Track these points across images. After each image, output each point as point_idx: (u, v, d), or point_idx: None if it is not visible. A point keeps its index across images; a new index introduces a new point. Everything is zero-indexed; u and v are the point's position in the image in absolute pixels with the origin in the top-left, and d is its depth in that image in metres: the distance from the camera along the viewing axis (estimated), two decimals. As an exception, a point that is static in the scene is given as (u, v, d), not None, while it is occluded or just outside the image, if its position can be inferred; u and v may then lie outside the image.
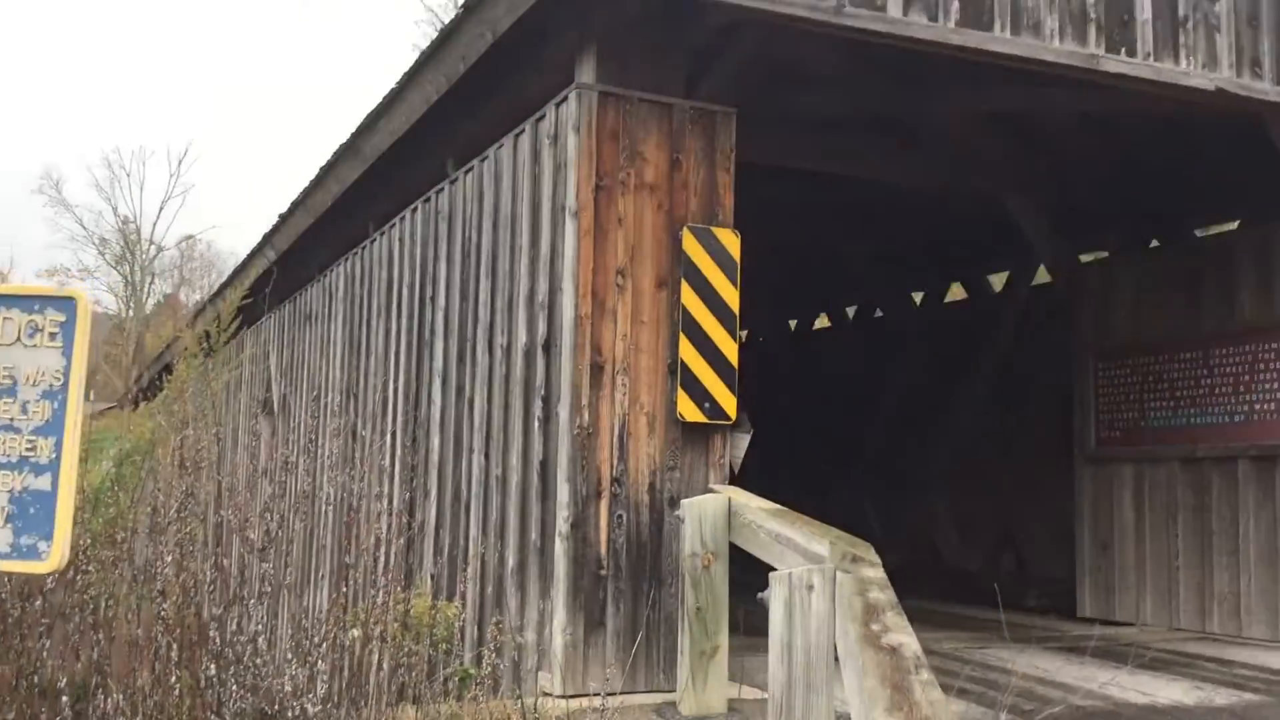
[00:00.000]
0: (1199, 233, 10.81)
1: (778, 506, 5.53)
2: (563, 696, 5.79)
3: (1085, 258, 11.53)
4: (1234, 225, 10.37)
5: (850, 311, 15.64)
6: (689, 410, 6.32)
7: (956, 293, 14.21)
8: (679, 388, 6.29)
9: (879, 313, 14.98)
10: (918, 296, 14.31)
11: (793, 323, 16.80)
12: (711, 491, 6.18)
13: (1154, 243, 10.84)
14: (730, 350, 6.44)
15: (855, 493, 14.62)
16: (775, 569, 4.66)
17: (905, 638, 2.80)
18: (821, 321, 16.45)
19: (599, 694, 5.09)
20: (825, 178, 10.17)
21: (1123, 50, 7.01)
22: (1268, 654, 8.30)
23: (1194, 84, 7.22)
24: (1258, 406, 9.17)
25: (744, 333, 18.06)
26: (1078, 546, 10.69)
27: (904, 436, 13.94)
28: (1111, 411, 10.46)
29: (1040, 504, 11.89)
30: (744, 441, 15.84)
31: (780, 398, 16.21)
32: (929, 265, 13.72)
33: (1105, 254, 11.43)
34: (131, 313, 46.75)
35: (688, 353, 6.32)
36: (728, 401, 6.43)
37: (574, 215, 6.15)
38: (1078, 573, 10.66)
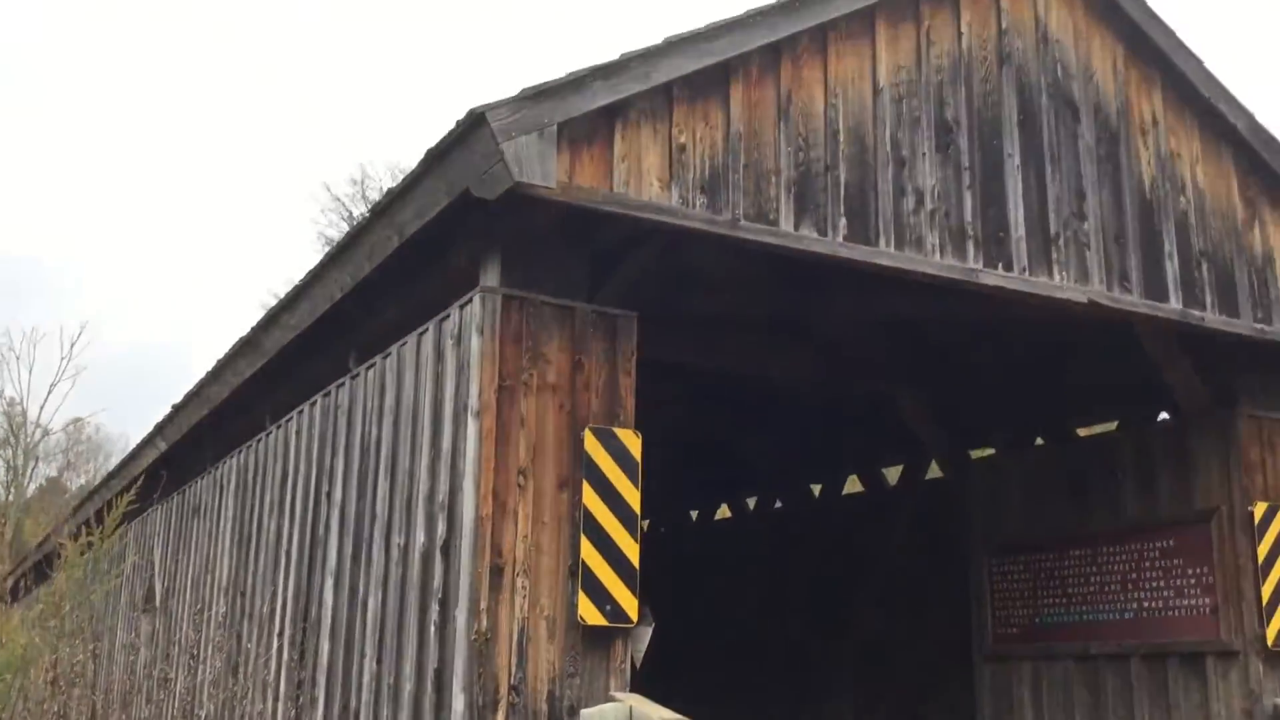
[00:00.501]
0: (1082, 432, 11.25)
1: (677, 716, 5.41)
2: None
3: (975, 453, 11.89)
4: (1114, 425, 10.84)
5: (751, 502, 15.73)
6: (590, 613, 6.22)
7: (855, 484, 14.44)
8: (580, 590, 6.21)
9: (779, 504, 15.09)
10: (816, 489, 14.49)
11: (694, 513, 16.81)
12: (613, 699, 6.03)
13: (1039, 440, 11.23)
14: (632, 551, 6.40)
15: (760, 688, 14.39)
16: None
17: None
18: (723, 512, 16.49)
19: None
20: (725, 373, 10.42)
21: (1000, 265, 7.44)
22: None
23: (1067, 296, 7.66)
24: (1145, 604, 9.39)
25: (645, 523, 18.03)
26: (979, 740, 10.63)
27: (807, 634, 13.85)
28: (1007, 608, 10.59)
29: (942, 701, 11.83)
30: (645, 635, 15.57)
31: (683, 590, 16.05)
32: (827, 458, 13.96)
33: (994, 450, 11.81)
34: (11, 498, 44.69)
35: (589, 554, 6.27)
36: (629, 603, 6.35)
37: (476, 415, 6.16)
38: (984, 770, 10.56)
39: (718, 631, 15.29)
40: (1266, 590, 8.58)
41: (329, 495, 8.00)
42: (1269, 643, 8.49)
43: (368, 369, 7.67)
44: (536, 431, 6.30)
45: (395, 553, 6.83)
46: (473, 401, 6.20)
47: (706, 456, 15.04)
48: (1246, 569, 8.67)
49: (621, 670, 6.32)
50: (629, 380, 6.64)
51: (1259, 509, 8.71)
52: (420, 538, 6.53)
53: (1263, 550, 8.66)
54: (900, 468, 13.33)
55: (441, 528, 6.29)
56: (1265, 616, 8.53)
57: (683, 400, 11.97)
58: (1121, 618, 9.52)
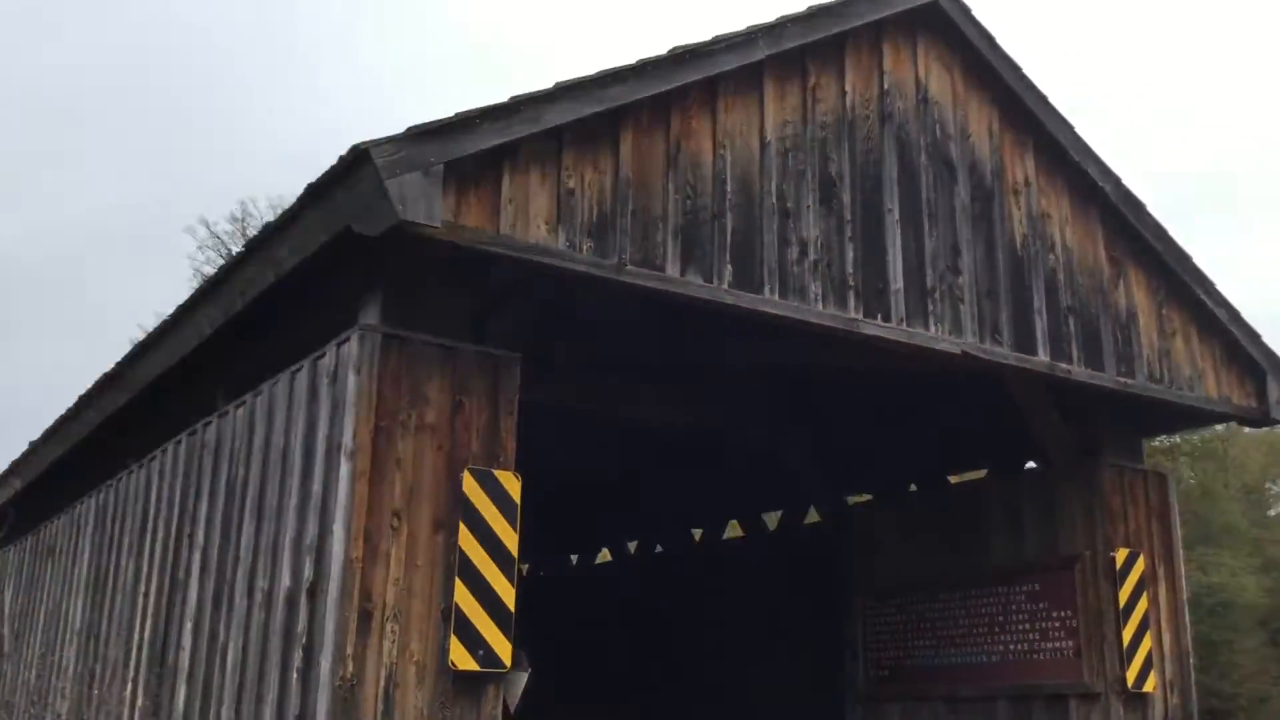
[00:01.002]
0: (953, 479, 11.53)
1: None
2: None
3: (852, 499, 12.08)
4: (984, 473, 11.13)
5: (632, 547, 15.69)
6: (462, 659, 6.09)
7: (735, 529, 14.52)
8: (452, 634, 6.07)
9: (659, 548, 15.08)
10: (697, 533, 14.53)
11: (574, 558, 16.69)
12: (483, 746, 5.90)
13: (913, 487, 11.47)
14: (507, 595, 6.30)
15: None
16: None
17: None
18: (604, 557, 16.41)
19: None
20: (609, 417, 10.39)
21: (879, 315, 7.60)
22: None
23: (942, 348, 7.86)
24: (1012, 647, 9.61)
25: (524, 567, 17.82)
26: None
27: (687, 676, 13.82)
28: (879, 650, 10.74)
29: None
30: (521, 681, 15.37)
31: (564, 634, 15.89)
32: (708, 501, 14.02)
33: (870, 497, 12.01)
34: None
35: (463, 598, 6.15)
36: (503, 649, 6.24)
37: (350, 456, 6.01)
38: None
39: (596, 677, 15.15)
40: (1127, 634, 8.87)
41: (191, 537, 7.70)
42: (1129, 684, 8.77)
43: (237, 407, 7.43)
44: (413, 472, 6.18)
45: (259, 597, 6.59)
46: (347, 441, 6.05)
47: (589, 500, 14.97)
48: (1108, 613, 8.95)
49: (493, 716, 6.19)
50: (511, 421, 6.57)
51: (1120, 555, 9.02)
52: (286, 581, 6.31)
53: (1124, 595, 8.96)
54: (780, 514, 13.46)
55: (308, 571, 6.10)
56: (1125, 659, 8.81)
57: (565, 443, 11.88)
58: (989, 660, 9.73)
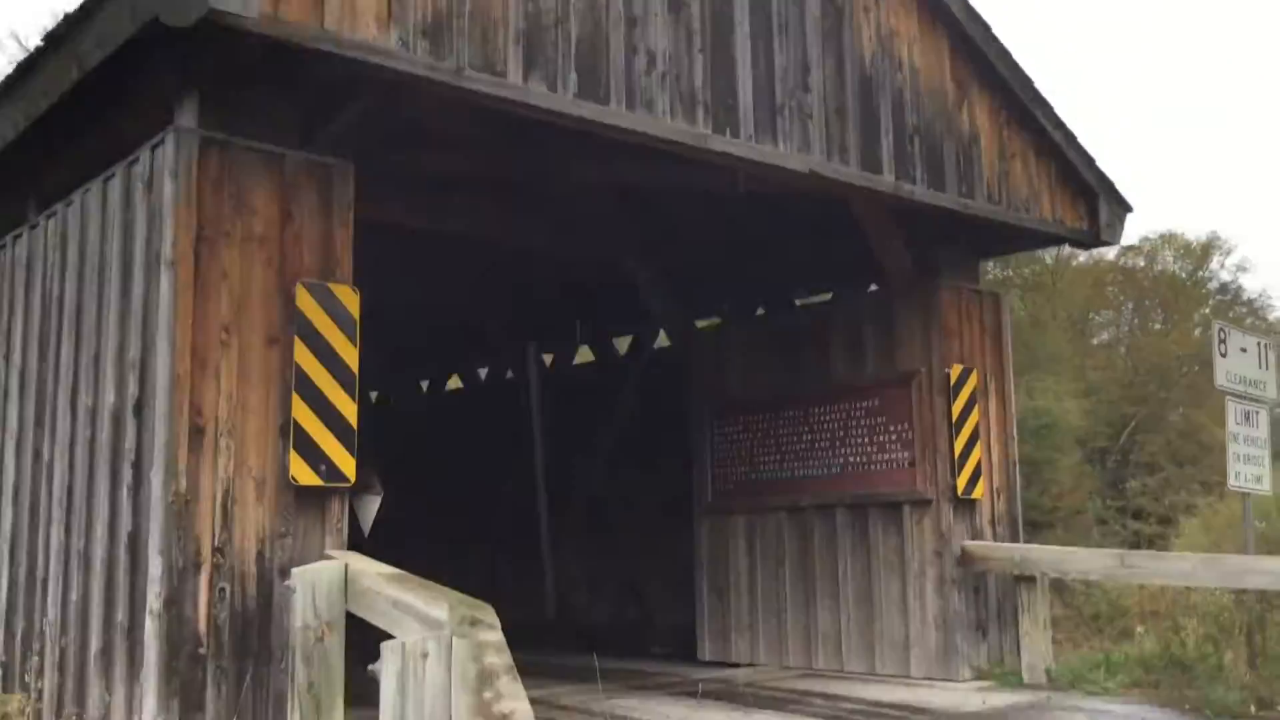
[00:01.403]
0: (799, 302, 11.74)
1: (397, 571, 5.31)
2: (154, 793, 5.23)
3: (701, 323, 12.22)
4: (829, 296, 11.36)
5: (483, 373, 15.65)
6: (303, 473, 5.98)
7: (586, 355, 14.59)
8: (291, 450, 5.94)
9: (510, 374, 15.08)
10: (549, 358, 14.55)
11: (424, 383, 16.57)
12: (328, 558, 5.86)
13: (760, 310, 11.64)
14: (349, 410, 6.17)
15: (491, 554, 14.55)
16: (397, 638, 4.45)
17: (517, 704, 2.70)
18: (454, 382, 16.34)
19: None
20: (452, 237, 10.14)
21: (728, 131, 7.49)
22: (865, 687, 8.97)
23: (791, 166, 7.84)
24: (851, 459, 10.01)
25: (374, 393, 17.61)
26: (697, 595, 11.16)
27: (536, 494, 14.05)
28: (726, 466, 11.06)
29: (664, 557, 12.32)
30: (374, 504, 15.41)
31: (415, 460, 15.90)
32: (559, 328, 14.01)
33: (718, 320, 12.16)
34: None
35: (301, 413, 5.99)
36: (345, 463, 6.14)
37: (171, 267, 5.70)
38: (697, 620, 11.11)
39: (448, 499, 15.28)
40: (958, 445, 9.31)
41: (7, 357, 7.28)
42: (959, 492, 9.26)
43: (48, 218, 6.95)
44: (241, 286, 5.91)
45: (83, 414, 6.31)
46: (166, 251, 5.73)
47: (437, 325, 14.78)
48: (941, 426, 9.37)
49: (338, 530, 6.13)
50: (345, 234, 6.31)
51: (954, 371, 9.39)
52: (110, 398, 6.04)
53: (956, 408, 9.36)
54: (630, 338, 13.55)
55: (133, 387, 5.84)
56: (956, 468, 9.28)
57: (409, 263, 11.60)
58: (829, 473, 10.13)
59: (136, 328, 5.90)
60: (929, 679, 9.15)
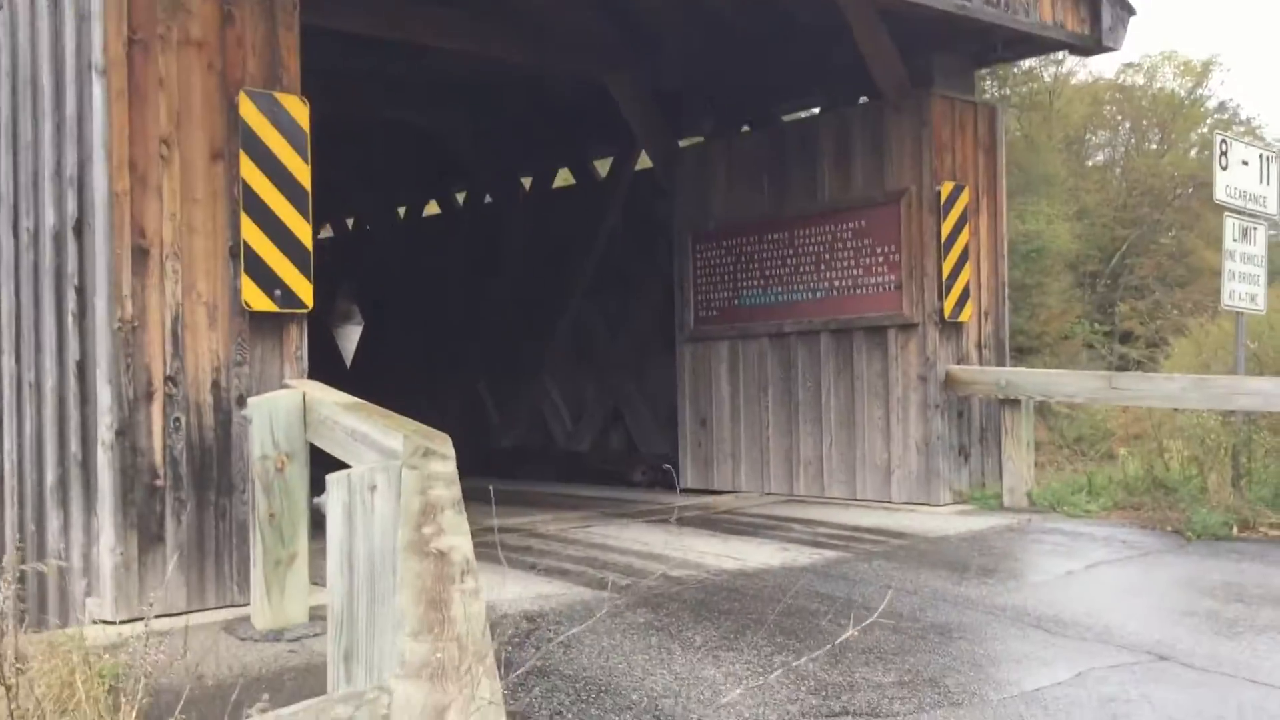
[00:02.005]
0: (786, 118, 11.24)
1: (356, 400, 5.06)
2: (116, 622, 5.11)
3: (684, 143, 11.72)
4: (817, 111, 10.86)
5: (460, 198, 15.17)
6: (256, 299, 5.67)
7: (565, 178, 14.11)
8: (243, 274, 5.61)
9: (489, 199, 14.62)
10: (527, 182, 14.06)
11: (402, 210, 16.11)
12: (286, 387, 5.60)
13: (745, 128, 11.14)
14: (303, 231, 5.81)
15: (473, 381, 14.42)
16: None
17: (457, 540, 2.47)
18: (432, 208, 15.88)
19: (159, 615, 4.48)
20: (416, 50, 9.56)
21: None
22: (845, 512, 8.94)
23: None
24: (836, 283, 9.72)
25: (350, 220, 17.17)
26: (679, 423, 11.05)
27: (519, 322, 13.82)
28: (709, 292, 10.78)
29: (646, 384, 12.18)
30: (354, 334, 15.13)
31: (394, 288, 15.60)
32: (536, 150, 13.49)
33: (701, 140, 11.67)
34: None
35: (252, 234, 5.64)
36: (302, 288, 5.82)
37: (102, 74, 5.24)
38: (680, 447, 11.04)
39: (429, 328, 15.04)
40: (947, 266, 9.02)
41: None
42: (945, 315, 9.01)
43: (-27, 23, 6.41)
44: (180, 94, 5.46)
45: (25, 237, 5.94)
46: (97, 58, 5.26)
47: (410, 148, 14.23)
48: (930, 247, 9.05)
49: (297, 358, 5.86)
50: (292, 39, 5.82)
51: (945, 188, 9.01)
52: (50, 219, 5.67)
53: (946, 228, 9.03)
54: (611, 160, 13.05)
55: (72, 206, 5.46)
56: (943, 291, 9.00)
57: (374, 79, 11.02)
58: (814, 297, 9.86)
59: (72, 142, 5.48)
60: (909, 503, 9.11)
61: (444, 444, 3.92)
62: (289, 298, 5.77)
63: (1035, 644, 5.10)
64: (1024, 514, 8.50)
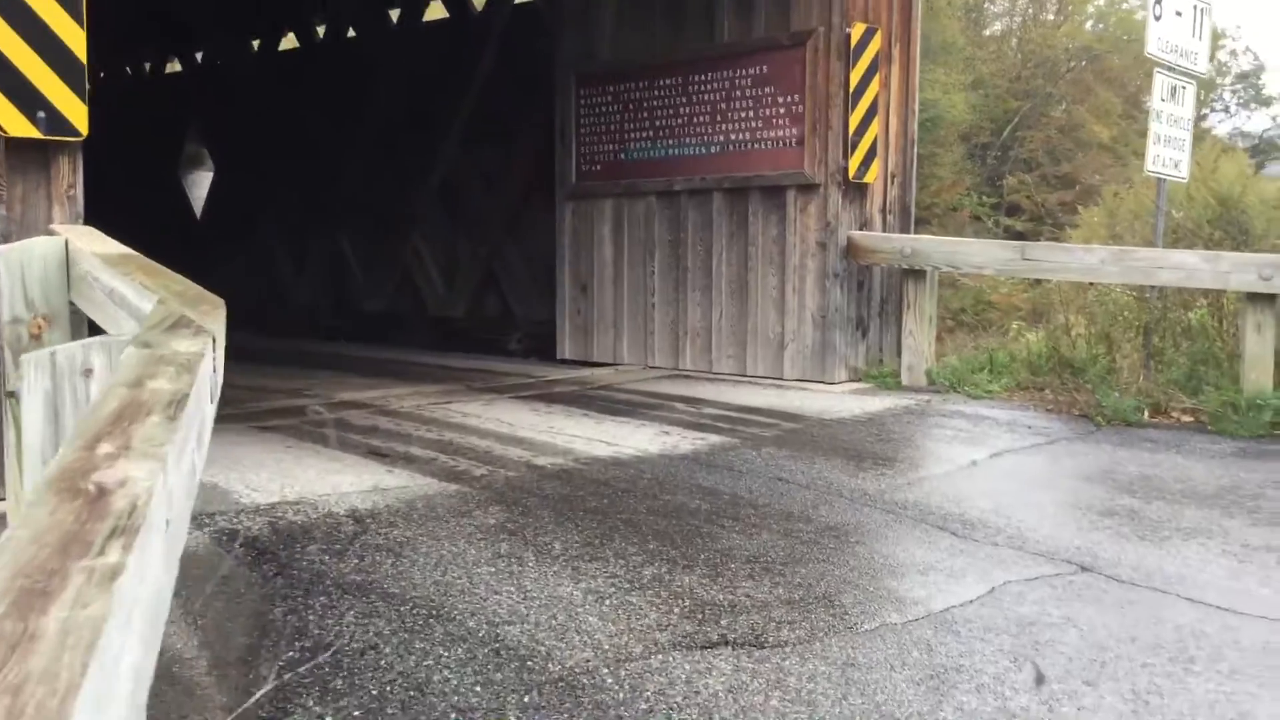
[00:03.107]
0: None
1: (125, 252, 4.01)
2: None
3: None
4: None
5: (320, 30, 13.65)
6: (13, 121, 4.50)
7: (438, 10, 12.71)
8: (-5, 90, 4.43)
9: (351, 32, 13.15)
10: (394, 13, 12.63)
11: (256, 43, 14.50)
12: (51, 233, 4.50)
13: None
14: (74, 38, 4.62)
15: (335, 236, 13.20)
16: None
17: (138, 471, 1.54)
18: (290, 42, 14.30)
19: None
20: None
21: None
22: (735, 390, 8.20)
23: None
24: (733, 137, 8.79)
25: (199, 55, 15.48)
26: (558, 288, 10.13)
27: (385, 173, 12.59)
28: (593, 144, 9.75)
29: (524, 244, 11.18)
30: (204, 181, 13.71)
31: (248, 131, 14.13)
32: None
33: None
34: None
35: (5, 38, 4.44)
36: (74, 110, 4.66)
37: None
38: (558, 315, 10.14)
39: (286, 176, 13.69)
40: (854, 120, 8.14)
41: None
42: (850, 175, 8.18)
43: None
44: None
45: None
46: None
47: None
48: (836, 98, 8.15)
49: (70, 198, 4.74)
50: None
51: (856, 30, 8.06)
52: None
53: (855, 75, 8.12)
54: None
55: None
56: (849, 148, 8.15)
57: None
58: (708, 152, 8.92)
59: None
60: (803, 380, 8.42)
61: (210, 314, 2.95)
62: (56, 122, 4.61)
63: (941, 550, 4.42)
64: (923, 394, 7.88)
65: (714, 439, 6.35)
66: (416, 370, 9.64)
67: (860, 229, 8.35)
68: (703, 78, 8.91)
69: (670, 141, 9.16)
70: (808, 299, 8.38)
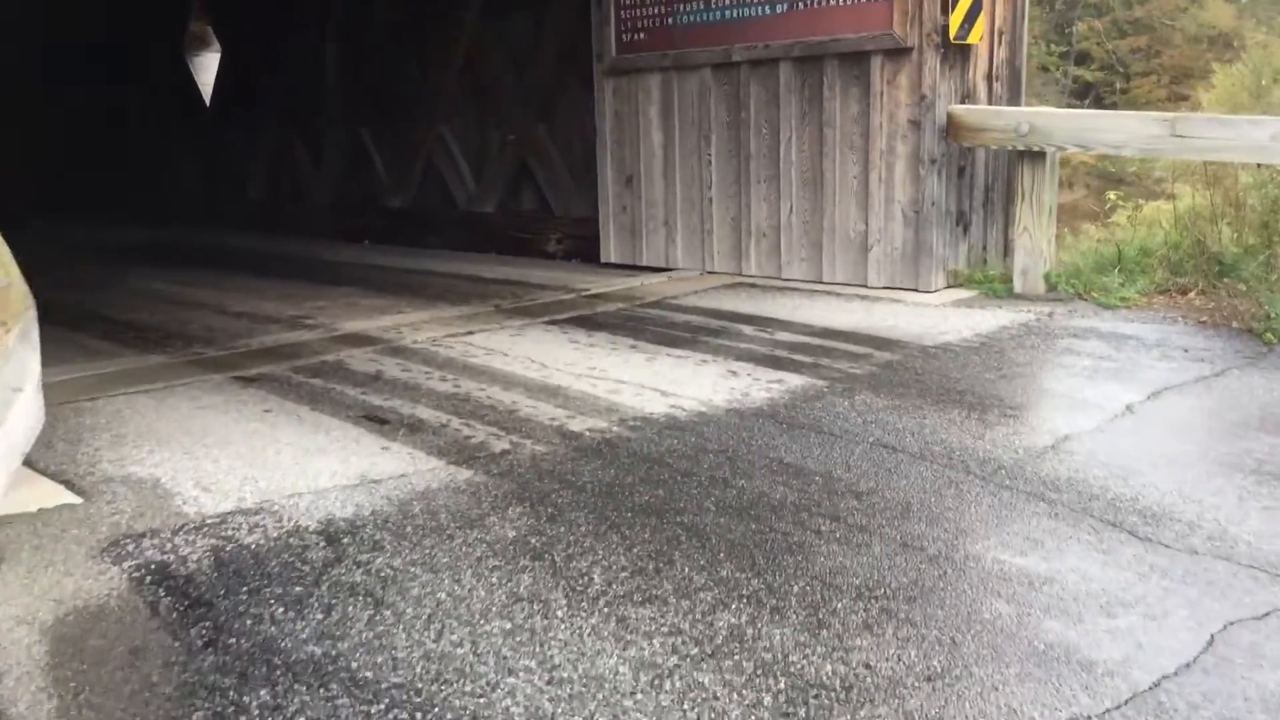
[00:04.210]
0: None
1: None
2: None
3: None
4: None
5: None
6: None
7: None
8: None
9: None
10: None
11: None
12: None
13: None
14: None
15: (355, 128, 11.88)
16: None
17: None
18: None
19: None
20: None
21: None
22: (812, 305, 6.88)
23: None
24: (803, -8, 7.28)
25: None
26: (599, 181, 8.79)
27: (405, 52, 11.17)
28: (635, 6, 8.27)
29: (561, 130, 9.79)
30: (212, 64, 12.22)
31: (256, 3, 12.74)
32: None
33: None
34: None
35: None
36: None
37: None
38: (600, 212, 8.82)
39: (299, 59, 12.33)
40: (954, -34, 6.61)
41: None
42: (951, 34, 6.68)
43: None
44: None
45: None
46: None
47: None
48: (931, -60, 6.59)
49: None
50: None
51: None
52: None
53: (955, -89, 6.55)
54: None
55: None
56: (950, 2, 6.63)
57: None
58: (772, 12, 7.42)
59: None
60: (891, 289, 7.08)
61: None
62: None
63: (1124, 567, 3.14)
64: (1043, 304, 6.51)
65: (793, 381, 5.08)
66: (440, 283, 8.43)
67: (962, 102, 6.88)
68: (765, -79, 7.37)
69: (726, 3, 7.66)
70: (897, 190, 6.98)
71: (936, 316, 6.32)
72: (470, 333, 6.32)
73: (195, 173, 14.36)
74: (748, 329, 6.22)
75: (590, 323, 6.51)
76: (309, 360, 5.75)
